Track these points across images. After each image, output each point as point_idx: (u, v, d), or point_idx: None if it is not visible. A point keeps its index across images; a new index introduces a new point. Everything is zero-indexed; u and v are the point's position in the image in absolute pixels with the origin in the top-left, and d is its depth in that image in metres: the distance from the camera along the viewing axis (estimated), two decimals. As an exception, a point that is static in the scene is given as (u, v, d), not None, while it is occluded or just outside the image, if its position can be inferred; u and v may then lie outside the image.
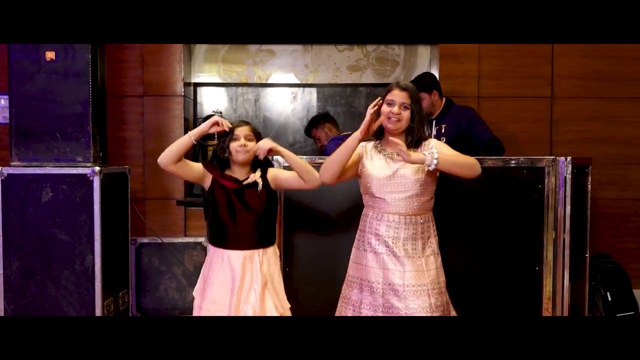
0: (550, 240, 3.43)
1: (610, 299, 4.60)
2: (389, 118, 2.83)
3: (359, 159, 2.93)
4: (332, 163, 2.86)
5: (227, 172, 2.95)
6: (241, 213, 2.87)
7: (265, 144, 2.89)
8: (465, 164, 2.81)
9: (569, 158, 3.44)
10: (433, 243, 2.88)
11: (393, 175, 2.82)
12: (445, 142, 4.02)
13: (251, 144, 2.90)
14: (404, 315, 2.73)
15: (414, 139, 2.86)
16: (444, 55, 4.87)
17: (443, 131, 4.18)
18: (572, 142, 4.83)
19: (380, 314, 2.78)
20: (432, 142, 2.90)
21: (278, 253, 3.05)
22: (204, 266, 2.99)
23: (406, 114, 2.84)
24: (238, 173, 2.94)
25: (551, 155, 3.56)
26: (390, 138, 2.82)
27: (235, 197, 2.88)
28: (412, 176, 2.80)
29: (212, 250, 2.94)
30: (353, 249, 2.96)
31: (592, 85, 4.88)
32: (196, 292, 2.99)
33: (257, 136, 2.95)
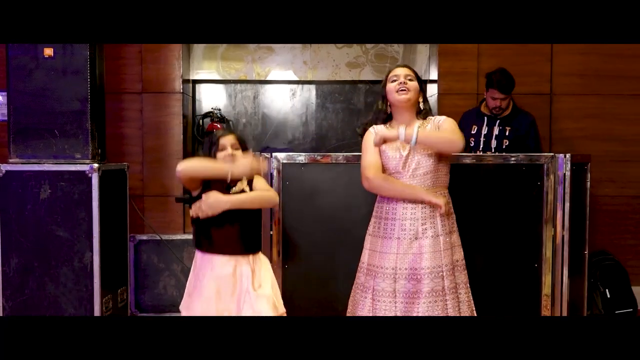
0: (549, 237, 3.43)
1: (609, 295, 4.60)
2: (397, 91, 2.86)
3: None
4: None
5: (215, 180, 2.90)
6: (227, 220, 2.83)
7: (220, 204, 2.77)
8: (442, 140, 2.80)
9: (568, 155, 3.44)
10: (451, 220, 2.88)
11: (408, 154, 2.83)
12: (508, 145, 4.16)
13: (238, 153, 2.88)
14: (418, 298, 2.75)
15: (424, 112, 2.92)
16: (443, 52, 4.86)
17: (507, 134, 4.22)
18: (571, 140, 4.82)
19: (394, 299, 2.78)
20: (441, 117, 2.94)
21: (267, 260, 3.00)
22: (189, 279, 2.93)
23: (413, 84, 2.88)
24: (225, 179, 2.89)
25: (550, 153, 3.56)
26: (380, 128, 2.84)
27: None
28: (424, 151, 2.81)
29: (199, 259, 2.89)
30: (367, 236, 2.95)
31: (591, 83, 4.88)
32: (182, 307, 2.94)
33: (243, 144, 2.93)
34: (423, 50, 5.25)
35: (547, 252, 3.43)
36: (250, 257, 2.87)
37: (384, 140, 2.80)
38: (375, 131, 2.90)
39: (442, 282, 2.77)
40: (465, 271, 2.90)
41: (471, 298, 2.90)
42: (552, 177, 3.42)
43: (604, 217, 4.84)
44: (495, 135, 4.19)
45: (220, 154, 2.87)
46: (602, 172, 4.72)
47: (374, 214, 2.94)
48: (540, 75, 4.87)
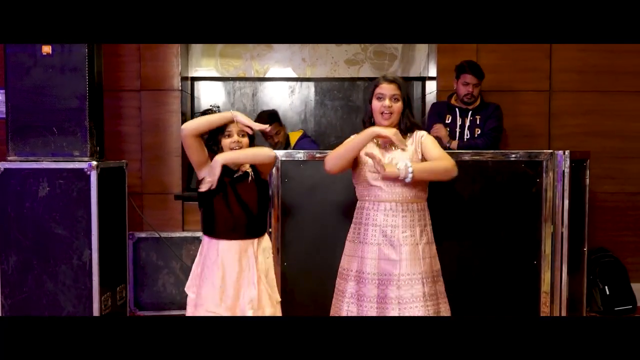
0: (548, 234, 3.43)
1: (608, 292, 4.61)
2: (382, 113, 2.87)
3: None
4: (344, 155, 2.87)
5: None
6: (235, 204, 2.85)
7: (216, 162, 2.78)
8: (439, 170, 2.82)
9: (567, 152, 3.43)
10: (428, 231, 2.89)
11: (389, 164, 2.81)
12: (480, 133, 4.22)
13: (244, 140, 2.87)
14: (398, 304, 2.76)
15: (406, 128, 2.90)
16: (441, 49, 4.86)
17: (478, 122, 4.28)
18: (571, 136, 4.82)
19: (375, 305, 2.79)
20: (421, 133, 2.93)
21: (270, 244, 3.02)
22: (196, 262, 2.96)
23: (397, 106, 2.87)
24: (230, 166, 2.91)
25: (549, 149, 3.56)
26: (366, 152, 2.83)
27: (230, 188, 2.86)
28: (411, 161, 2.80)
29: (206, 244, 2.92)
30: (347, 242, 2.96)
31: (590, 79, 4.88)
32: (188, 288, 2.96)
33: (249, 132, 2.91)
34: (422, 48, 5.24)
35: (547, 249, 3.43)
36: (255, 240, 2.89)
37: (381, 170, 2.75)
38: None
39: (422, 288, 2.77)
40: (442, 281, 2.92)
41: (449, 308, 2.92)
42: (551, 174, 3.42)
43: (603, 213, 4.84)
44: (467, 126, 4.26)
45: (226, 141, 2.86)
46: (601, 169, 4.72)
47: (353, 220, 2.95)
48: (540, 71, 4.87)
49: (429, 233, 2.90)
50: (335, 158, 2.89)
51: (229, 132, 2.86)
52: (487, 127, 4.29)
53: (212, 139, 2.90)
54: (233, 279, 2.82)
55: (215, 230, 2.88)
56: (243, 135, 2.87)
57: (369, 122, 2.95)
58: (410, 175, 2.70)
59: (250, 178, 2.89)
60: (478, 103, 4.33)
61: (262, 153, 2.88)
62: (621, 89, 4.87)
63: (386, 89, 2.87)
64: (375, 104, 2.88)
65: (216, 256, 2.85)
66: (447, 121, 4.33)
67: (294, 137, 4.75)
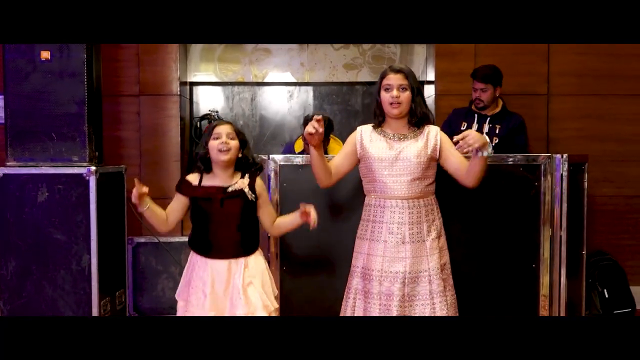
0: (546, 238, 3.43)
1: (607, 295, 4.60)
2: (390, 104, 2.82)
3: (354, 148, 2.92)
4: (317, 174, 2.89)
5: (209, 178, 2.86)
6: (223, 225, 2.80)
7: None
8: (483, 172, 2.80)
9: (565, 155, 3.44)
10: (437, 225, 2.87)
11: (395, 158, 2.81)
12: (497, 143, 4.16)
13: (233, 143, 2.80)
14: (404, 302, 2.75)
15: (418, 118, 2.86)
16: (440, 53, 4.87)
17: (497, 132, 4.24)
18: (569, 140, 4.83)
19: (380, 302, 2.78)
20: (435, 129, 2.89)
21: (263, 255, 2.98)
22: (185, 269, 2.93)
23: (405, 95, 2.83)
24: (221, 177, 2.84)
25: (548, 153, 3.56)
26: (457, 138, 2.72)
27: (219, 208, 2.80)
28: (415, 159, 2.80)
29: (194, 256, 2.88)
30: (356, 239, 2.95)
31: (588, 83, 4.88)
32: (179, 295, 2.94)
33: (240, 135, 2.86)
34: (420, 52, 5.25)
35: (545, 252, 3.43)
36: (247, 258, 2.85)
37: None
38: (363, 131, 2.93)
39: (428, 285, 2.78)
40: (451, 274, 2.91)
41: (456, 300, 2.91)
42: (549, 177, 3.42)
43: (601, 217, 4.84)
44: (485, 132, 4.21)
45: (213, 142, 2.79)
46: (599, 172, 4.73)
47: (362, 216, 2.95)
48: (538, 75, 4.87)
49: (439, 226, 2.88)
50: (317, 177, 2.91)
51: (217, 134, 2.81)
52: (517, 143, 4.21)
53: (202, 146, 2.86)
54: (222, 288, 2.79)
55: (204, 250, 2.84)
56: (232, 138, 2.82)
57: (380, 114, 2.91)
58: (486, 153, 2.67)
59: (250, 197, 2.84)
60: (498, 110, 4.28)
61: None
62: (620, 93, 4.88)
63: (393, 79, 2.83)
64: (384, 95, 2.84)
65: (205, 267, 2.81)
66: (462, 128, 4.24)
67: (334, 144, 4.54)
